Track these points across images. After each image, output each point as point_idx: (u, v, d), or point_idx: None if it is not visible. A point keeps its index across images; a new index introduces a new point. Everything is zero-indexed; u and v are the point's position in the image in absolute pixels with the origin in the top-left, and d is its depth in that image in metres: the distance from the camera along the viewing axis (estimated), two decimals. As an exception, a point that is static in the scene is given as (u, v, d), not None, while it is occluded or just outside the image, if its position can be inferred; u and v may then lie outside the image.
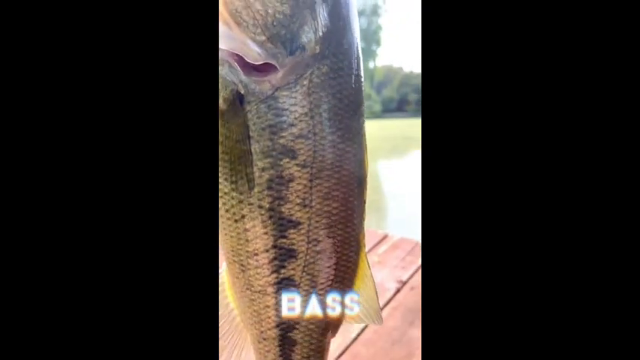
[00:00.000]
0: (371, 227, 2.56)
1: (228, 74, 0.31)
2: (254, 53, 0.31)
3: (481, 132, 0.29)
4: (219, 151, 0.33)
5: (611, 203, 0.28)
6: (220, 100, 0.32)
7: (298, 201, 0.32)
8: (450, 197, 0.29)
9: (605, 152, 0.28)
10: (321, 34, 0.31)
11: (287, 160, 0.32)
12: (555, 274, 0.29)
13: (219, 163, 0.33)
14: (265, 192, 0.33)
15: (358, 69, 0.34)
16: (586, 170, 0.28)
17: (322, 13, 0.31)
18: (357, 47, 0.34)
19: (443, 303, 0.29)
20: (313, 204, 0.32)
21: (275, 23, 0.30)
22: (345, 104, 0.33)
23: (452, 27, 0.29)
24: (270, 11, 0.30)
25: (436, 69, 0.30)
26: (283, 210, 0.32)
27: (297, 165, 0.32)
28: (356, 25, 0.33)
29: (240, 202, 0.33)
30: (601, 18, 0.28)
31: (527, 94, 0.29)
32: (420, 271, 1.66)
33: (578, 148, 0.28)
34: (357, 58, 0.34)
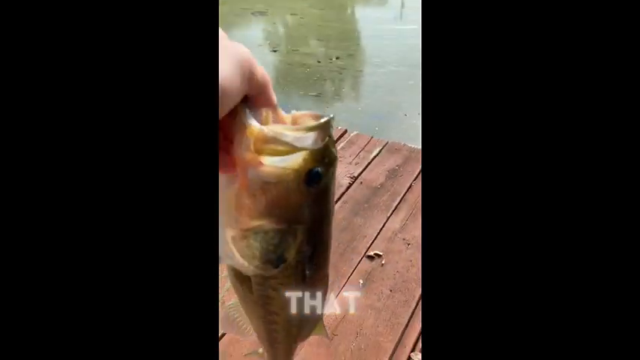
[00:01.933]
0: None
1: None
2: (248, 270, 0.37)
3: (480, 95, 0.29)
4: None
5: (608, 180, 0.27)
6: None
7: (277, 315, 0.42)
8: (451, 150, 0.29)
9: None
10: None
11: (273, 316, 0.42)
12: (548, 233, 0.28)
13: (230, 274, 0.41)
14: (260, 320, 0.43)
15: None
16: (587, 149, 0.27)
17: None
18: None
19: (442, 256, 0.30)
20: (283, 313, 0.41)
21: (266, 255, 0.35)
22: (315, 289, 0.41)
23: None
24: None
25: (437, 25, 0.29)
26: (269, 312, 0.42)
27: (277, 315, 0.41)
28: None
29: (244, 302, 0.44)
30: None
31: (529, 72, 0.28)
32: (368, 167, 1.83)
33: (579, 128, 0.27)
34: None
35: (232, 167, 0.34)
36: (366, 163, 1.87)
